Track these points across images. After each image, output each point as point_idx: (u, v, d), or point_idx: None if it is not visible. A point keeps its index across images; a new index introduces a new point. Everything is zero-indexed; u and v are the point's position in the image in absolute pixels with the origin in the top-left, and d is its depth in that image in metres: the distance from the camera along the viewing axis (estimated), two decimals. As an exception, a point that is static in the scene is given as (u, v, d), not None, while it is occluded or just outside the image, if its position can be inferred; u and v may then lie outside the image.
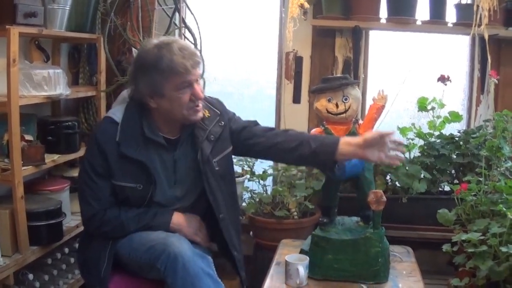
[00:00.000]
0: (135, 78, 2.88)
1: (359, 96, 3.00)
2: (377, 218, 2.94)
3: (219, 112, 3.09)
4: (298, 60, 4.79)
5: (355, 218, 3.21)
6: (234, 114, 3.20)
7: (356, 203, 3.11)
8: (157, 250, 2.75)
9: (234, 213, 3.16)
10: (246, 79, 5.13)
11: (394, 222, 4.19)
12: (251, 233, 4.56)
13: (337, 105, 2.94)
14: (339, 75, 3.03)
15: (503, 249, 2.94)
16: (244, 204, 4.59)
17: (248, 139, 3.08)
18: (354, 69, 4.74)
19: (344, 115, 2.94)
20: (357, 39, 4.68)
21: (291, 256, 2.98)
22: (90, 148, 2.98)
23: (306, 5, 4.33)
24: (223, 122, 3.07)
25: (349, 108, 2.94)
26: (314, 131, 3.03)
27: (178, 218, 2.99)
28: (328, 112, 2.96)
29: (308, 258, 2.95)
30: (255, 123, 3.16)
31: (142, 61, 2.85)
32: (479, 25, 4.30)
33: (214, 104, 3.12)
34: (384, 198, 2.86)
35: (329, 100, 2.95)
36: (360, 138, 2.74)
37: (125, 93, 3.04)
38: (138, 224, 2.91)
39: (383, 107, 2.97)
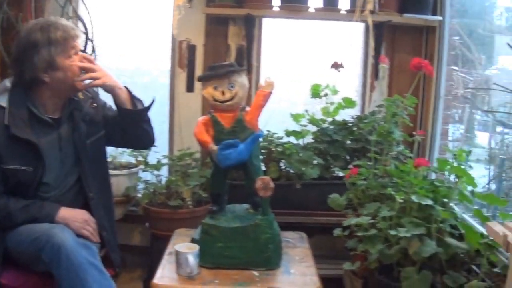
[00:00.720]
0: (23, 61, 2.93)
1: (246, 83, 2.97)
2: (266, 204, 2.93)
3: (90, 95, 3.25)
4: (191, 49, 4.75)
5: (245, 206, 3.19)
6: (105, 103, 3.35)
7: (246, 190, 3.09)
8: (42, 241, 2.73)
9: (105, 194, 3.29)
10: (138, 68, 5.08)
11: (289, 208, 4.22)
12: (147, 224, 4.53)
13: (223, 93, 2.91)
14: (225, 62, 2.96)
15: (392, 232, 2.97)
16: (139, 195, 4.53)
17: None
18: (248, 57, 4.74)
19: (230, 102, 2.91)
20: (250, 27, 4.67)
21: (181, 245, 2.94)
22: None
23: (191, -9, 4.31)
24: (95, 104, 3.25)
25: (235, 95, 2.91)
26: (201, 119, 2.99)
27: (64, 213, 2.99)
28: (215, 100, 2.92)
29: (198, 246, 2.92)
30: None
31: (32, 40, 2.90)
32: (372, 12, 4.35)
33: (87, 90, 3.22)
34: (272, 185, 2.86)
35: (215, 88, 2.91)
36: None
37: (6, 82, 3.04)
38: (25, 215, 2.90)
39: (270, 94, 2.94)
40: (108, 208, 3.29)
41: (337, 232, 3.48)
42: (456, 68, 5.10)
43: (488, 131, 5.56)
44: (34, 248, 2.74)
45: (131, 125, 3.19)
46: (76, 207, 3.10)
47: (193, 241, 3.05)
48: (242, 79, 2.96)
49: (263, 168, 4.32)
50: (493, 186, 4.51)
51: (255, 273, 2.90)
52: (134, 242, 4.94)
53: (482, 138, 5.67)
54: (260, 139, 3.12)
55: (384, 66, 4.30)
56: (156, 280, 2.83)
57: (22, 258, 2.90)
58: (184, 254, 2.85)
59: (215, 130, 2.95)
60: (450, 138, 5.22)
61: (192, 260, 2.85)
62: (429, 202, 3.02)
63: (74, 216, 3.01)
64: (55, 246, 2.67)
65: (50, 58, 2.90)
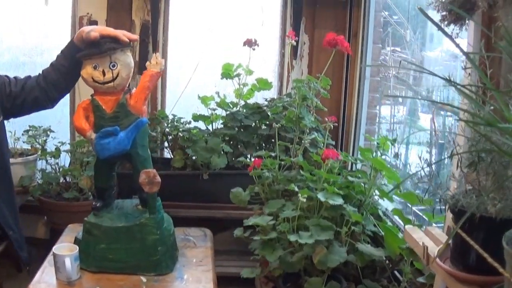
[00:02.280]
0: None
1: (130, 62, 2.65)
2: (153, 201, 2.64)
3: None
4: (93, 25, 4.40)
5: (135, 201, 2.90)
6: (5, 79, 3.10)
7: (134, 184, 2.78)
8: None
9: (5, 189, 3.10)
10: (38, 46, 4.77)
11: (196, 200, 3.98)
12: (45, 217, 4.31)
13: (104, 73, 2.58)
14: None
15: (292, 237, 2.65)
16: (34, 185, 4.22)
17: (30, 94, 3.06)
18: (153, 33, 4.47)
19: (112, 83, 2.59)
20: (155, 1, 4.41)
21: (61, 246, 2.69)
22: None
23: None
24: None
25: (117, 76, 2.59)
26: (81, 103, 2.67)
27: None
28: (95, 81, 2.60)
29: (77, 248, 2.64)
30: (28, 77, 3.12)
31: None
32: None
33: None
34: (158, 179, 2.57)
35: (95, 67, 2.60)
36: None
37: None
38: None
39: (158, 74, 2.65)
40: (12, 205, 3.15)
41: (237, 232, 3.15)
42: (396, 49, 4.83)
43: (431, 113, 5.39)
44: None
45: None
46: None
47: (75, 241, 2.77)
48: (125, 57, 2.65)
49: (169, 156, 4.11)
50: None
51: (143, 278, 2.65)
52: (38, 235, 4.63)
53: (426, 120, 5.52)
54: (147, 125, 2.78)
55: (292, 42, 3.96)
56: (32, 286, 2.57)
57: None
58: (62, 257, 2.58)
59: (95, 116, 2.65)
60: (393, 121, 4.97)
61: (69, 263, 2.57)
62: (339, 202, 2.71)
63: None
64: None
65: None
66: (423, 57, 4.73)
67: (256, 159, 3.23)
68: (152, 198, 2.63)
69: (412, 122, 5.17)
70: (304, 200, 2.74)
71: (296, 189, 2.88)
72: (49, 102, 3.13)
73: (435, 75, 1.72)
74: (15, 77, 3.10)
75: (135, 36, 2.75)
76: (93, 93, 2.67)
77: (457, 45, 1.76)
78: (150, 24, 4.47)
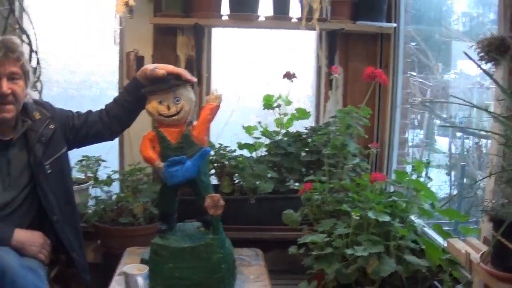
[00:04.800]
0: None
1: (192, 97, 2.86)
2: (216, 223, 2.83)
3: (49, 115, 3.11)
4: (139, 60, 4.63)
5: (196, 224, 3.08)
6: (69, 113, 3.25)
7: (196, 208, 2.97)
8: None
9: (70, 215, 3.17)
10: (86, 80, 4.97)
11: (244, 223, 4.14)
12: (98, 241, 4.43)
13: (168, 107, 2.80)
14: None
15: (348, 251, 2.88)
16: (90, 211, 4.39)
17: (92, 127, 3.21)
18: (197, 68, 4.64)
19: (176, 117, 2.80)
20: (199, 37, 4.59)
21: (131, 266, 2.84)
22: None
23: (131, 2, 4.19)
24: (53, 125, 3.09)
25: (181, 109, 2.80)
26: (146, 135, 2.88)
27: (20, 235, 2.88)
28: (160, 114, 2.81)
29: (147, 267, 2.81)
30: (90, 112, 3.28)
31: None
32: (324, 20, 4.28)
33: (44, 106, 3.15)
34: (222, 202, 2.76)
35: (160, 102, 2.81)
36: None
37: None
38: None
39: (217, 107, 2.85)
40: (76, 228, 3.21)
41: (292, 250, 3.36)
42: (414, 74, 5.04)
43: (448, 136, 5.54)
44: None
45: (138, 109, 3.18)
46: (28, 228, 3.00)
47: (142, 261, 2.94)
48: (188, 93, 2.86)
49: (216, 182, 4.27)
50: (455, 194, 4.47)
51: (208, 295, 2.80)
52: (88, 259, 4.77)
53: (442, 143, 5.65)
54: (211, 154, 2.99)
55: (336, 76, 4.21)
56: (107, 306, 2.71)
57: None
58: (134, 276, 2.74)
59: (161, 146, 2.84)
60: (410, 144, 5.16)
61: (141, 282, 2.74)
62: (387, 219, 2.94)
63: (32, 239, 2.92)
64: None
65: None
66: (446, 82, 4.96)
67: (306, 183, 3.48)
68: (216, 220, 2.80)
69: (429, 145, 5.37)
70: (357, 218, 2.98)
71: (348, 209, 3.10)
72: (110, 135, 3.31)
73: (481, 108, 1.97)
74: (77, 112, 3.26)
75: (195, 79, 2.94)
76: (157, 126, 2.86)
77: (496, 83, 2.01)
78: (194, 59, 4.65)
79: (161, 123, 2.85)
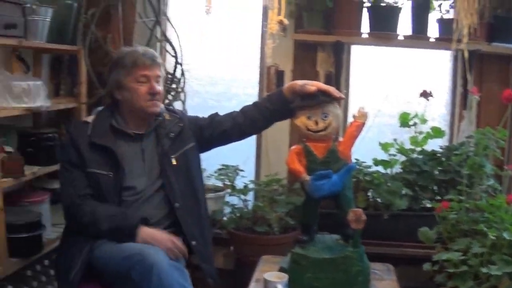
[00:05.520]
0: (107, 79, 3.29)
1: (339, 113, 2.94)
2: (357, 236, 2.88)
3: (178, 116, 3.40)
4: (280, 74, 4.77)
5: (335, 236, 3.13)
6: (197, 116, 3.51)
7: (337, 221, 3.05)
8: (133, 259, 2.77)
9: (194, 205, 3.30)
10: (226, 92, 5.15)
11: (376, 238, 4.16)
12: (231, 248, 4.56)
13: (316, 123, 2.89)
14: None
15: (484, 269, 2.91)
16: (225, 219, 4.56)
17: (218, 127, 3.36)
18: (336, 84, 4.68)
19: (324, 132, 2.88)
20: (339, 54, 4.68)
21: (270, 274, 2.91)
22: (65, 143, 3.28)
23: (285, 21, 4.34)
24: (182, 124, 3.34)
25: (328, 125, 2.88)
26: (293, 148, 2.97)
27: (147, 233, 3.03)
28: (308, 129, 2.91)
29: (287, 276, 2.89)
30: (216, 113, 3.46)
31: (112, 62, 3.29)
32: (460, 41, 4.30)
33: (175, 112, 3.47)
34: (364, 217, 2.80)
35: (308, 118, 2.89)
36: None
37: (99, 108, 3.38)
38: (109, 224, 2.99)
39: (363, 124, 2.91)
40: (198, 218, 3.31)
41: (426, 266, 3.41)
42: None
43: None
44: (124, 266, 2.78)
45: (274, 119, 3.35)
46: (160, 215, 3.18)
47: (281, 270, 3.01)
48: (335, 109, 2.93)
49: None
50: None
51: (344, 305, 2.86)
52: (217, 264, 4.90)
53: None
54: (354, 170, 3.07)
55: (476, 97, 4.23)
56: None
57: (108, 274, 2.93)
58: (274, 283, 2.82)
59: (308, 160, 2.91)
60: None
61: None
62: (521, 240, 2.96)
63: (161, 236, 3.04)
64: (147, 265, 2.72)
65: (118, 78, 3.16)
66: None
67: (444, 201, 3.53)
68: (357, 233, 2.86)
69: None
70: (494, 238, 3.01)
71: (485, 229, 3.13)
72: (240, 136, 3.42)
73: None
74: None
75: (343, 96, 3.02)
76: (304, 140, 2.93)
77: None
78: (333, 75, 4.74)
79: (308, 138, 2.92)
